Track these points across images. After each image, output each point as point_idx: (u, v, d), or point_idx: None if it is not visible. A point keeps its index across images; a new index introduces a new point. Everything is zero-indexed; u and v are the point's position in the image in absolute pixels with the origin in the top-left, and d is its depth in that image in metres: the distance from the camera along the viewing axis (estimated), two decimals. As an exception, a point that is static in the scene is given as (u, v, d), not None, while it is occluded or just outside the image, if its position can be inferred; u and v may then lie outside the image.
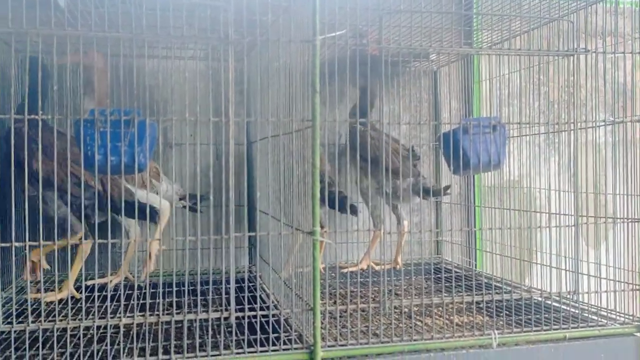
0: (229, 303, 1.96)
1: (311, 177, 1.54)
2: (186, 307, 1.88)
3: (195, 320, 1.51)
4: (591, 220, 2.05)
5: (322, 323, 1.65)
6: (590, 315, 1.83)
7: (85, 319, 1.50)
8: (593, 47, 1.87)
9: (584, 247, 2.41)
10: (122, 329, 1.60)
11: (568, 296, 1.86)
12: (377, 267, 2.57)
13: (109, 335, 1.56)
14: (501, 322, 1.82)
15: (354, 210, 2.46)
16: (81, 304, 1.91)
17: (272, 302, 1.89)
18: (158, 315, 1.52)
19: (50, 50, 1.46)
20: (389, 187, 2.30)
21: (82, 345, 1.54)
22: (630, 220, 1.84)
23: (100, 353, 1.50)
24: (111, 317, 1.49)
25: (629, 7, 1.87)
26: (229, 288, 2.21)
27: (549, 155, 2.55)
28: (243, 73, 2.46)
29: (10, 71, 1.47)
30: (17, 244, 1.41)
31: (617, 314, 1.85)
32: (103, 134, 1.41)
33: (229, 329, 1.64)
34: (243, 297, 1.93)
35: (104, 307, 1.86)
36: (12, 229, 1.50)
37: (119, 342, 1.55)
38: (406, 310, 1.95)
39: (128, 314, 1.53)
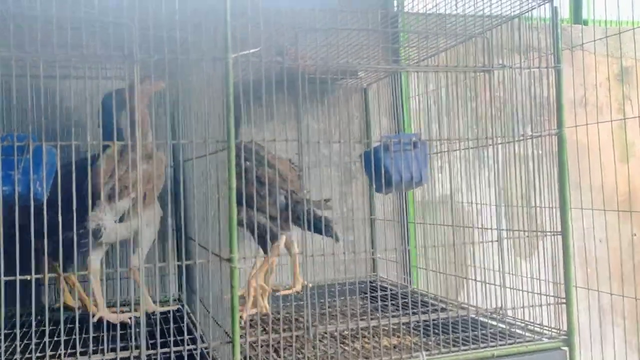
0: (153, 337, 1.84)
1: (228, 200, 1.46)
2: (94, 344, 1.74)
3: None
4: (517, 235, 2.07)
5: (250, 354, 1.56)
6: (519, 331, 1.81)
7: None
8: (514, 62, 1.89)
9: (517, 260, 2.43)
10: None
11: (498, 312, 1.84)
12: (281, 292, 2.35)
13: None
14: (431, 342, 1.78)
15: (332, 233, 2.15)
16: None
17: (199, 334, 1.78)
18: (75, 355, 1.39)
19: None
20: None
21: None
22: (551, 233, 1.84)
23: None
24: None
25: (543, 23, 1.91)
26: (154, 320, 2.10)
27: (479, 169, 2.58)
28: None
29: None
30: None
31: (546, 328, 1.85)
32: None
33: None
34: (168, 329, 1.81)
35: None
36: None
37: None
38: (336, 334, 1.88)
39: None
